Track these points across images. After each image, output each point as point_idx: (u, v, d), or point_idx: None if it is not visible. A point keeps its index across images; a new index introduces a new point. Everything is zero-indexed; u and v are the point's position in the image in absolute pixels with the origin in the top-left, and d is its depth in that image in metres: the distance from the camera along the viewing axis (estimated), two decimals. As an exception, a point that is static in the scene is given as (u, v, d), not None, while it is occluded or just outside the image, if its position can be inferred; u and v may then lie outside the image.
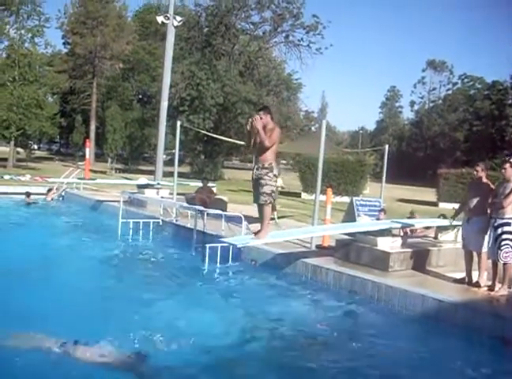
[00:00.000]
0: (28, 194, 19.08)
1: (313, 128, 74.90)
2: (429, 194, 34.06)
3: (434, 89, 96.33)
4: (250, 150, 9.60)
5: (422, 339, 7.58)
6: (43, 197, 20.05)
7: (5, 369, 5.53)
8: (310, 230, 11.43)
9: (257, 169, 9.13)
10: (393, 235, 10.76)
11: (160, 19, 20.91)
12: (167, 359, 6.11)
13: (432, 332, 7.66)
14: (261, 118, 9.15)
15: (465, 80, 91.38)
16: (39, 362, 5.71)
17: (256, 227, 10.51)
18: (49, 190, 20.43)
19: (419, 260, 10.13)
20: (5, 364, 5.56)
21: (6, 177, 20.74)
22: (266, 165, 9.05)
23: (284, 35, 45.47)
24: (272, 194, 9.23)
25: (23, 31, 37.01)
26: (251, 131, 9.21)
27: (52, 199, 20.24)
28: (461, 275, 9.35)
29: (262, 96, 41.68)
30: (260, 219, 9.75)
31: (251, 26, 45.70)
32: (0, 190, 19.24)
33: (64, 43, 64.83)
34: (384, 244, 10.03)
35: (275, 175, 9.20)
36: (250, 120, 9.23)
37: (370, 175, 32.01)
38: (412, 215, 14.46)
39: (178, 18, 20.87)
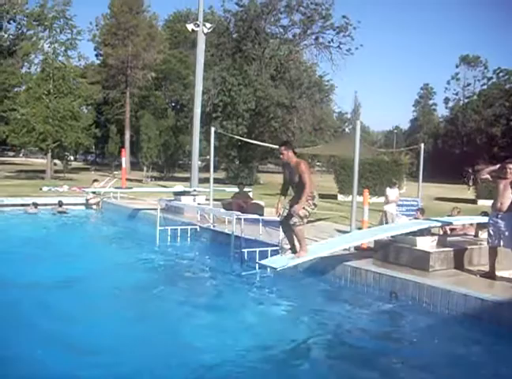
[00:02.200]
0: (60, 203, 19.47)
1: (346, 129, 74.54)
2: (467, 192, 33.62)
3: (469, 85, 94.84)
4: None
5: (466, 340, 7.46)
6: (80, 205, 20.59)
7: None
8: (348, 240, 11.13)
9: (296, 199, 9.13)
10: (433, 234, 10.63)
11: (189, 27, 20.99)
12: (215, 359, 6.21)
13: (476, 332, 7.54)
14: (282, 154, 9.21)
15: (500, 74, 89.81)
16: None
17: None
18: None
19: (461, 259, 9.98)
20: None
21: (45, 188, 21.09)
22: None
23: (314, 37, 45.37)
24: (304, 219, 9.18)
25: (56, 45, 37.63)
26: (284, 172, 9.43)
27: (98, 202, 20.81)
28: (505, 273, 9.22)
29: (295, 99, 41.58)
30: (288, 239, 9.72)
31: (281, 29, 45.69)
32: (41, 201, 19.54)
33: (96, 55, 66.02)
34: (424, 243, 9.90)
35: (314, 204, 9.18)
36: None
37: (407, 175, 31.70)
38: (452, 213, 14.22)
39: (208, 25, 20.93)
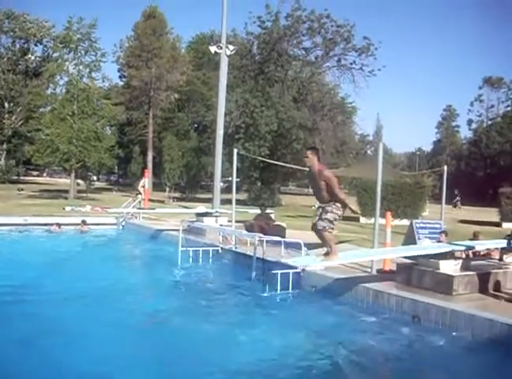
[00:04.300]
0: (84, 222, 19.63)
1: (368, 151, 74.39)
2: (491, 214, 33.21)
3: (493, 106, 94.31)
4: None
5: (490, 366, 7.33)
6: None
7: None
8: (372, 253, 11.21)
9: (324, 204, 9.13)
10: (456, 258, 10.52)
11: (213, 49, 21.18)
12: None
13: (501, 358, 7.40)
14: (306, 157, 9.18)
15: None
16: None
17: (316, 252, 10.49)
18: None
19: (485, 283, 9.85)
20: None
21: (68, 208, 21.30)
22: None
23: (336, 58, 45.41)
24: (334, 222, 9.13)
25: (81, 67, 38.21)
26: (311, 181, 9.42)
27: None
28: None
29: (317, 121, 41.65)
30: (323, 242, 9.69)
31: (303, 52, 45.87)
32: (64, 221, 19.69)
33: (120, 76, 67.09)
34: (447, 267, 9.81)
35: (341, 207, 9.16)
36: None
37: (429, 197, 31.46)
38: (475, 237, 14.05)
39: (231, 47, 21.10)
